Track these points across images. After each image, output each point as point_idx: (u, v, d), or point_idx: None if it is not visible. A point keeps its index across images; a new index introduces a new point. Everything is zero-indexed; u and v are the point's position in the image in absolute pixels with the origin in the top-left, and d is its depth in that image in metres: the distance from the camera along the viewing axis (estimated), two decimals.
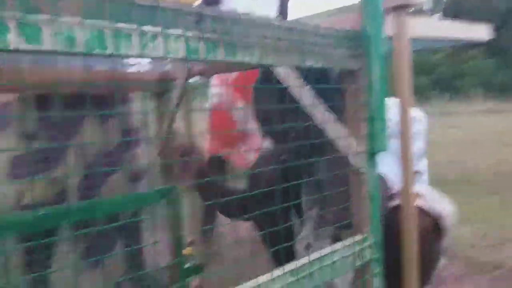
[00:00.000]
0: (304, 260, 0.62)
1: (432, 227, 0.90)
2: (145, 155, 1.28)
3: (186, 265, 1.17)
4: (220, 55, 0.48)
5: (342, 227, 0.79)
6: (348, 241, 0.69)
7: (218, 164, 1.46)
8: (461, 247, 1.64)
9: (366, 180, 0.71)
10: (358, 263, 0.69)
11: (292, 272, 0.60)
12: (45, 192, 1.08)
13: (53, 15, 0.36)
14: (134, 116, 1.27)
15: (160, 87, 1.07)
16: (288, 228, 1.06)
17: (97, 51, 0.38)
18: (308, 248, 1.00)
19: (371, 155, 0.71)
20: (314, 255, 0.63)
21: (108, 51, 0.39)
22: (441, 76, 12.54)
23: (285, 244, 0.65)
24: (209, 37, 0.46)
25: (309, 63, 0.60)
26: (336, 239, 0.83)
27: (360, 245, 0.70)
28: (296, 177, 0.77)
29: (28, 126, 1.07)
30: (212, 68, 1.00)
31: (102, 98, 0.94)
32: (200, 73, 1.01)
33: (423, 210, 0.89)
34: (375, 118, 0.69)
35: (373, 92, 0.68)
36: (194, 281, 1.32)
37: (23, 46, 0.35)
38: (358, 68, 0.68)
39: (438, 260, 0.95)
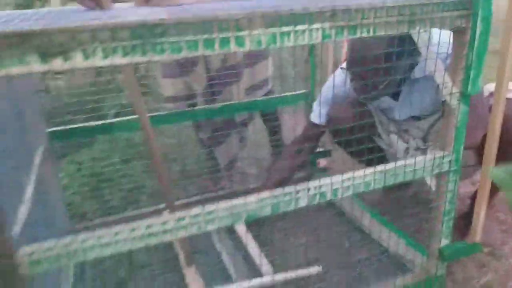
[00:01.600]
0: (392, 165, 0.91)
1: None
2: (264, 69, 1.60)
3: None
4: (346, 36, 0.74)
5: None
6: (431, 157, 0.95)
7: None
8: None
9: (456, 114, 0.92)
10: (436, 171, 0.96)
11: (381, 170, 0.90)
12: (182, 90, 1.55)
13: None
14: None
15: None
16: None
17: None
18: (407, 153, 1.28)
19: (464, 96, 0.90)
20: (400, 162, 0.92)
21: None
22: None
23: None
24: (338, 25, 0.72)
25: (418, 28, 0.80)
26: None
27: (441, 159, 0.95)
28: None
29: None
30: None
31: None
32: None
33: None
34: (472, 67, 0.86)
35: (474, 47, 0.84)
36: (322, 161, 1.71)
37: None
38: (465, 26, 0.84)
39: None
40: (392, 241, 1.23)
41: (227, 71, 1.51)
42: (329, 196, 0.86)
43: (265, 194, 0.80)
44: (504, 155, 1.03)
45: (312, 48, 1.57)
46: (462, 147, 0.96)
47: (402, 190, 1.58)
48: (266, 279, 1.11)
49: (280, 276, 1.11)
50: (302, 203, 0.84)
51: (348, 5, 0.72)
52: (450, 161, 0.96)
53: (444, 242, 1.06)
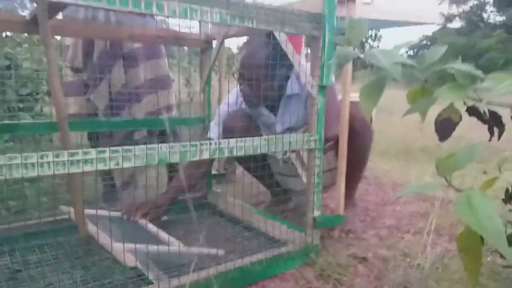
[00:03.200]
0: (273, 136, 1.16)
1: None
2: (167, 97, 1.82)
3: None
4: (237, 23, 1.00)
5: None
6: (301, 135, 1.22)
7: None
8: None
9: (317, 102, 1.24)
10: (306, 147, 1.23)
11: (265, 139, 1.14)
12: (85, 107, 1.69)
13: None
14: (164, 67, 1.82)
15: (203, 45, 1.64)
16: None
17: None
18: None
19: (321, 87, 1.23)
20: (281, 136, 1.17)
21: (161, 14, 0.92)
22: None
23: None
24: (232, 13, 0.99)
25: (287, 30, 1.12)
26: None
27: (309, 137, 1.23)
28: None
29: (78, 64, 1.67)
30: (239, 33, 1.53)
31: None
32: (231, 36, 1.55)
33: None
34: (324, 65, 1.20)
35: (325, 51, 1.19)
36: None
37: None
38: (318, 35, 1.19)
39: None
40: (277, 229, 1.43)
41: (128, 93, 1.67)
42: (226, 153, 1.05)
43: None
44: (351, 142, 1.37)
45: (209, 78, 1.83)
46: (323, 130, 1.27)
47: (286, 202, 1.83)
48: (173, 247, 1.19)
49: (185, 248, 1.20)
50: (206, 155, 1.01)
51: (239, 0, 1.01)
52: (315, 140, 1.25)
53: (317, 213, 1.31)
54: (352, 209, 1.66)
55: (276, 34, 1.29)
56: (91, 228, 1.28)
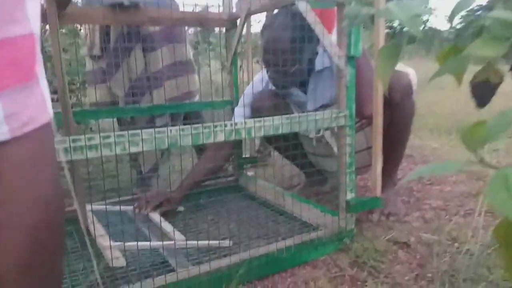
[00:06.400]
0: (296, 115, 1.07)
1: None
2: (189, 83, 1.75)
3: None
4: None
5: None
6: (328, 112, 1.12)
7: None
8: None
9: (345, 75, 1.13)
10: (334, 124, 1.13)
11: (287, 117, 1.05)
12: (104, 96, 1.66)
13: None
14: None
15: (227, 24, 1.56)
16: None
17: None
18: None
19: (349, 58, 1.11)
20: (305, 114, 1.08)
21: None
22: None
23: None
24: None
25: None
26: None
27: (337, 114, 1.13)
28: None
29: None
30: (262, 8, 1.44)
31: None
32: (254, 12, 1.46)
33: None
34: (352, 34, 1.09)
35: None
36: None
37: None
38: (343, 1, 1.07)
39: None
40: (309, 213, 1.34)
41: (148, 79, 1.63)
42: (243, 134, 0.98)
43: (186, 129, 0.91)
44: (390, 115, 1.25)
45: (235, 59, 1.75)
46: (354, 105, 1.16)
47: (321, 185, 1.74)
48: (179, 243, 1.14)
49: (193, 243, 1.15)
50: (220, 137, 0.94)
51: None
52: (345, 116, 1.15)
53: (350, 195, 1.21)
54: (393, 189, 1.53)
55: (300, 5, 1.19)
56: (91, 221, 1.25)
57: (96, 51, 1.62)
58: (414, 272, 1.11)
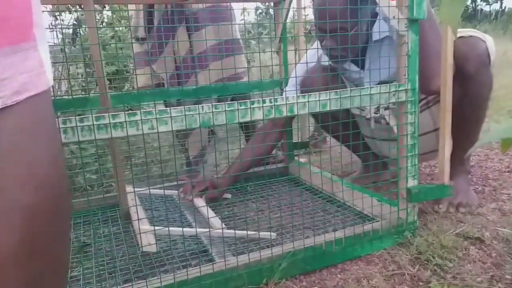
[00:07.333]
0: (347, 90, 0.93)
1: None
2: (236, 64, 1.64)
3: None
4: None
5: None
6: (385, 86, 0.97)
7: None
8: None
9: (406, 42, 0.96)
10: (392, 100, 0.98)
11: (336, 92, 0.92)
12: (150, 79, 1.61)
13: None
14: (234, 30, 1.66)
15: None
16: None
17: None
18: None
19: (411, 21, 0.95)
20: (358, 88, 0.94)
21: None
22: None
23: None
24: None
25: None
26: None
27: (397, 88, 0.98)
28: None
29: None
30: None
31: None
32: None
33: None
34: None
35: None
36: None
37: None
38: None
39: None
40: (365, 203, 1.20)
41: (193, 60, 1.56)
42: (285, 111, 0.87)
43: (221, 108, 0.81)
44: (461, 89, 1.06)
45: (284, 35, 1.63)
46: (417, 77, 0.99)
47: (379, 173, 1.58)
48: (214, 231, 1.05)
49: (230, 232, 1.06)
50: (258, 115, 0.84)
51: None
52: (406, 90, 0.99)
53: (412, 182, 1.05)
54: (465, 177, 1.34)
55: None
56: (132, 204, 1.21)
57: (141, 33, 1.58)
58: (488, 273, 0.94)
